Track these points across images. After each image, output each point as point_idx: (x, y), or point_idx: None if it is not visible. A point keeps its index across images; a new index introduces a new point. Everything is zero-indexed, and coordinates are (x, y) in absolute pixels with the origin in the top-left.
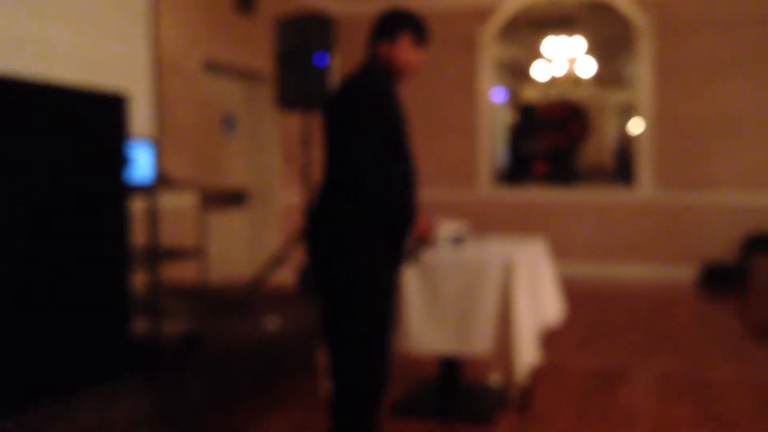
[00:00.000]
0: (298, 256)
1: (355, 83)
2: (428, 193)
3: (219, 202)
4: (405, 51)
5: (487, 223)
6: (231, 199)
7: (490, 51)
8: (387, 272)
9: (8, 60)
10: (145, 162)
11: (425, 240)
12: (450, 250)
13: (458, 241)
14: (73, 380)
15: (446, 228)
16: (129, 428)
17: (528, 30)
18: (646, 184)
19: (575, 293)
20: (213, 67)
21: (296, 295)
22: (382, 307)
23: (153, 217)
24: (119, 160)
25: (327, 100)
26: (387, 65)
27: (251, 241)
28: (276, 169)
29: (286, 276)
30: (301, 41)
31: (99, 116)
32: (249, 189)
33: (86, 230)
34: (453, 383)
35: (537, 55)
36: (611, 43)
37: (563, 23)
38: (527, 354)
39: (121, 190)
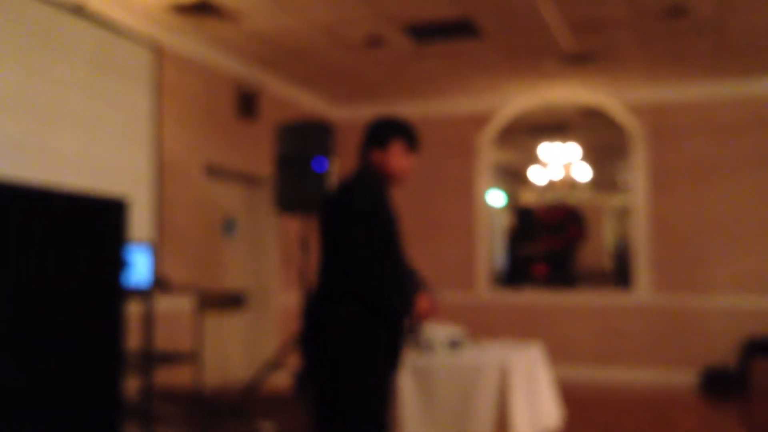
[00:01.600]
0: (294, 360)
1: (348, 187)
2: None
3: (217, 304)
4: (397, 158)
5: (486, 326)
6: (229, 301)
7: (488, 156)
8: (384, 375)
9: (11, 164)
10: (143, 265)
11: (426, 319)
12: (447, 353)
13: (455, 344)
14: None
15: (443, 332)
16: None
17: (524, 136)
18: (643, 287)
19: (574, 397)
20: (214, 171)
21: (292, 398)
22: (377, 410)
23: (148, 320)
24: (117, 264)
25: (323, 203)
26: (380, 171)
27: (249, 344)
28: (274, 272)
29: (282, 380)
30: (301, 146)
31: (99, 221)
32: (247, 292)
33: (80, 333)
34: None
35: (534, 159)
36: (606, 148)
37: (559, 129)
38: None
39: (117, 294)
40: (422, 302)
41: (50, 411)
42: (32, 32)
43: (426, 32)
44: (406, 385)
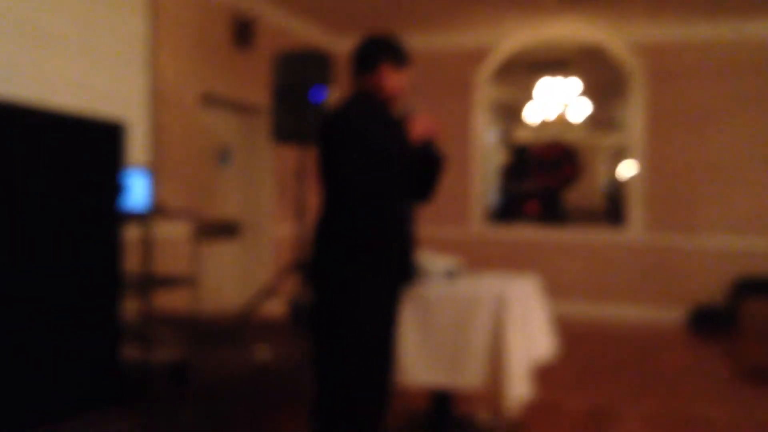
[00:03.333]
0: (289, 288)
1: (339, 113)
2: (420, 229)
3: (211, 233)
4: (388, 78)
5: (478, 261)
6: (223, 230)
7: (485, 92)
8: (387, 301)
9: (5, 85)
10: (141, 190)
11: (432, 135)
12: (443, 283)
13: (451, 275)
14: (60, 408)
15: (439, 261)
16: None
17: (523, 72)
18: (636, 226)
19: (566, 331)
20: (209, 100)
21: (287, 326)
22: (380, 337)
23: (147, 244)
24: (114, 187)
25: (318, 131)
26: (374, 95)
27: (242, 273)
28: (269, 203)
29: (276, 307)
30: (299, 76)
31: (96, 143)
32: (241, 221)
33: (78, 256)
34: (444, 416)
35: (531, 97)
36: (605, 87)
37: (558, 66)
38: (518, 387)
39: (114, 217)
40: (413, 129)
41: (51, 332)
42: None
43: None
44: (404, 313)
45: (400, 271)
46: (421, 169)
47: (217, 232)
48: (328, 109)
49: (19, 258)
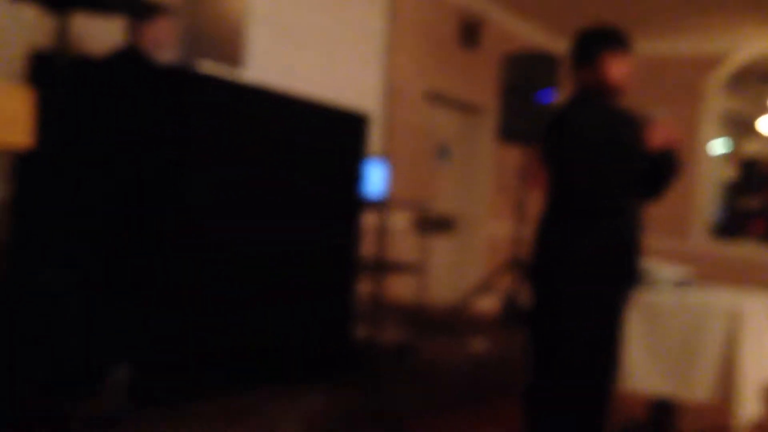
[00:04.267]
0: (504, 285)
1: (562, 113)
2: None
3: (428, 226)
4: (610, 69)
5: (700, 276)
6: (439, 224)
7: (715, 101)
8: (609, 303)
9: (263, 74)
10: (377, 179)
11: (673, 144)
12: (673, 292)
13: (682, 284)
14: (296, 371)
15: (670, 270)
16: (337, 421)
17: (756, 82)
18: None
19: None
20: (434, 97)
21: (499, 321)
22: (601, 338)
23: (381, 232)
24: (358, 175)
25: (543, 130)
26: (598, 90)
27: (454, 267)
28: (485, 200)
29: (490, 302)
30: (526, 77)
31: (343, 132)
32: (457, 217)
33: (325, 237)
34: (666, 427)
35: (764, 108)
36: None
37: None
38: (749, 405)
39: (357, 203)
40: (652, 137)
41: (292, 309)
42: None
43: None
44: (631, 317)
45: (625, 274)
46: (656, 174)
47: (431, 226)
48: (552, 109)
49: (271, 230)
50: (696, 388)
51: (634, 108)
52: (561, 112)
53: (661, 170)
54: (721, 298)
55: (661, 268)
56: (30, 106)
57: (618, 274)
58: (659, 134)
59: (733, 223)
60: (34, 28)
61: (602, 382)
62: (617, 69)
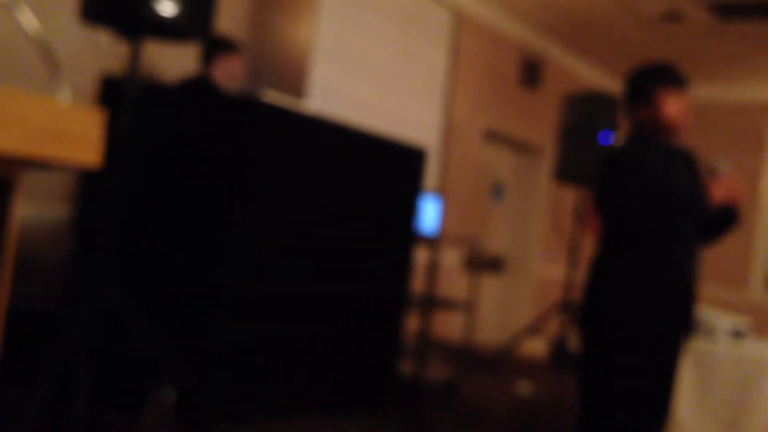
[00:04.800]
0: (552, 328)
1: (615, 155)
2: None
3: (478, 264)
4: (666, 105)
5: (758, 329)
6: (490, 264)
7: None
8: (662, 350)
9: (325, 105)
10: (431, 214)
11: (735, 200)
12: (730, 342)
13: (738, 334)
14: (340, 402)
15: (726, 319)
16: None
17: None
18: None
19: None
20: (492, 136)
21: (548, 366)
22: (652, 388)
23: (432, 267)
24: (413, 209)
25: (597, 170)
26: (654, 128)
27: (502, 308)
28: (537, 241)
29: (537, 346)
30: (586, 118)
31: (401, 165)
32: (507, 257)
33: (378, 269)
34: None
35: None
36: None
37: None
38: None
39: (411, 237)
40: (714, 190)
41: (340, 341)
42: None
43: (731, 9)
44: (684, 369)
45: (682, 321)
46: (714, 226)
47: (484, 265)
48: (608, 150)
49: (328, 260)
50: None
51: (699, 156)
52: (618, 152)
53: (720, 223)
54: None
55: (717, 317)
56: (99, 126)
57: (675, 320)
58: (722, 189)
59: None
60: (108, 54)
61: (654, 430)
62: (673, 106)
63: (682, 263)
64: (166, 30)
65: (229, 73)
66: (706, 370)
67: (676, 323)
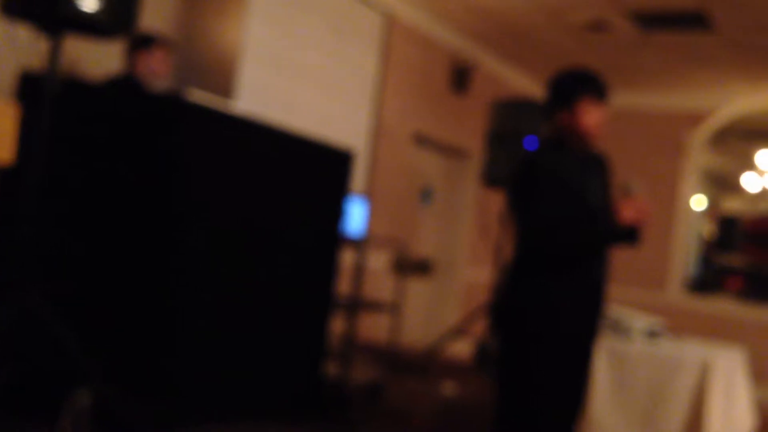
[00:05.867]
0: (478, 330)
1: (531, 160)
2: (615, 290)
3: (405, 267)
4: (587, 115)
5: (674, 330)
6: (417, 266)
7: (698, 157)
8: (580, 347)
9: (257, 108)
10: (358, 217)
11: (641, 221)
12: (645, 342)
13: (654, 334)
14: (264, 406)
15: (642, 320)
16: None
17: (738, 139)
18: None
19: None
20: (420, 140)
21: (472, 367)
22: (569, 389)
23: (359, 270)
24: (338, 212)
25: (510, 176)
26: (571, 134)
27: (429, 311)
28: (465, 245)
29: (463, 348)
30: (514, 124)
31: (328, 168)
32: (435, 260)
33: (303, 272)
34: None
35: (745, 166)
36: None
37: None
38: None
39: (337, 240)
40: (624, 210)
41: (267, 339)
42: None
43: (654, 21)
44: (599, 366)
45: (592, 319)
46: (613, 239)
47: (412, 268)
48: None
49: (254, 262)
50: None
51: (615, 168)
52: (533, 156)
53: (619, 238)
54: (691, 350)
55: (633, 317)
56: (13, 123)
57: (588, 319)
58: (632, 210)
59: (711, 279)
60: (27, 49)
61: (570, 429)
62: (593, 117)
63: (593, 265)
64: (87, 26)
65: (150, 68)
66: (621, 369)
67: (590, 321)
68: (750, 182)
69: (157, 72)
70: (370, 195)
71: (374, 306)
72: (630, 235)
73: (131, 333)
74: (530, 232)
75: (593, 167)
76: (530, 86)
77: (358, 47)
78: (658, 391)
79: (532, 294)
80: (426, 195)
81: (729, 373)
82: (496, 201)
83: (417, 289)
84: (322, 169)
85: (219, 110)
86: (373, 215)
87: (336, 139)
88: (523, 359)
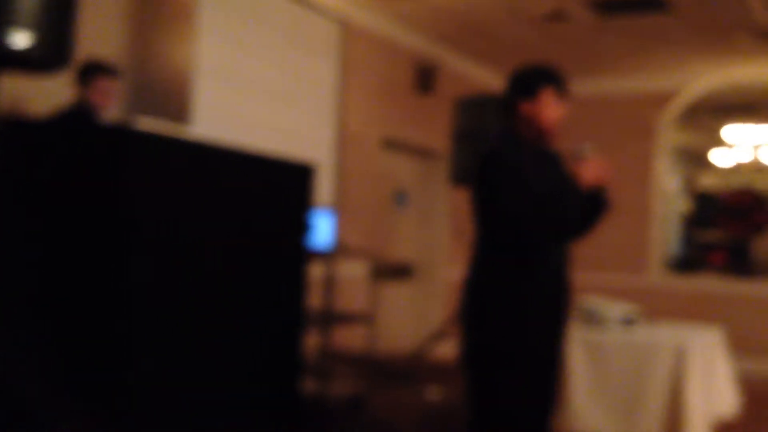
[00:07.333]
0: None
1: (492, 152)
2: (596, 276)
3: (386, 273)
4: (548, 107)
5: (656, 311)
6: (397, 271)
7: (667, 136)
8: (547, 339)
9: (212, 128)
10: (325, 229)
11: (602, 182)
12: (620, 330)
13: (629, 322)
14: (241, 428)
15: (617, 308)
16: None
17: (708, 116)
18: None
19: (751, 392)
20: (390, 144)
21: (457, 369)
22: (539, 380)
23: (329, 282)
24: (303, 226)
25: (473, 170)
26: (531, 126)
27: (414, 314)
28: (443, 245)
29: (448, 350)
30: (479, 121)
31: (288, 183)
32: (415, 263)
33: (269, 290)
34: None
35: (716, 141)
36: None
37: (747, 110)
38: None
39: (303, 255)
40: (583, 173)
41: (236, 362)
42: (237, 8)
43: (611, 6)
44: (576, 358)
45: (560, 311)
46: (585, 214)
47: (390, 273)
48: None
49: (215, 283)
50: (643, 426)
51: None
52: (493, 151)
53: (591, 210)
54: (666, 336)
55: (607, 307)
56: None
57: (559, 312)
58: (590, 171)
59: (693, 256)
60: None
61: (544, 422)
62: (554, 110)
63: (557, 258)
64: (22, 63)
65: (100, 98)
66: (598, 360)
67: (557, 314)
68: (720, 157)
69: (106, 101)
70: (340, 205)
71: (347, 317)
72: (597, 198)
73: (85, 364)
74: (512, 219)
75: (551, 162)
76: (495, 81)
77: (316, 57)
78: (636, 378)
79: (496, 287)
80: (400, 199)
81: (706, 355)
82: (468, 200)
83: (400, 294)
84: (283, 186)
85: (168, 137)
86: (346, 224)
87: (301, 152)
88: (491, 354)
